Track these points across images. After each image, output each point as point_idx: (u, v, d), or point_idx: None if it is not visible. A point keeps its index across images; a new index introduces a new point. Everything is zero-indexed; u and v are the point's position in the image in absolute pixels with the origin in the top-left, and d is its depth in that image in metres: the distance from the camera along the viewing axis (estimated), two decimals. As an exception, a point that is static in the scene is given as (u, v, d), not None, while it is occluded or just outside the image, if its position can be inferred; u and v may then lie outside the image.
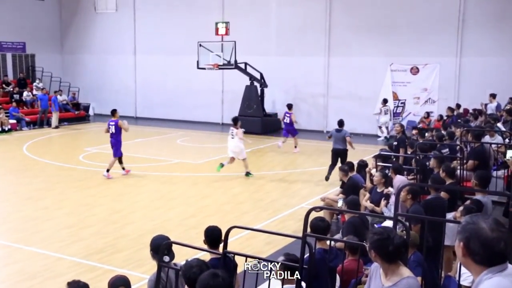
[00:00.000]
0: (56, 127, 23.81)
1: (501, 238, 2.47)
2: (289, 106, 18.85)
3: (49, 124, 24.31)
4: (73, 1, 29.50)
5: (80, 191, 12.85)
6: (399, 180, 8.69)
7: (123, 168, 14.57)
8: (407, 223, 4.97)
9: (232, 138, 14.26)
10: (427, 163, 9.61)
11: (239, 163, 14.71)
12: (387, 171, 9.67)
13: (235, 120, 14.69)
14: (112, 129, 14.44)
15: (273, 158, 17.54)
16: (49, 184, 13.64)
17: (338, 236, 8.29)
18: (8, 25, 26.99)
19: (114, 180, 14.07)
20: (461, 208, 5.99)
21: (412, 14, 21.25)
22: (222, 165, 14.26)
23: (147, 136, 22.08)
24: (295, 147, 18.35)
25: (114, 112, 14.91)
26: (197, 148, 19.19)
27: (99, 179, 14.16)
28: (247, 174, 14.47)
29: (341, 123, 13.97)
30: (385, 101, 21.32)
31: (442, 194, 7.35)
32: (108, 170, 14.17)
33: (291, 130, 18.52)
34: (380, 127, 21.69)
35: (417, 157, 9.55)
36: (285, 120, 18.67)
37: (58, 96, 26.09)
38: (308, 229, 5.25)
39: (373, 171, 9.93)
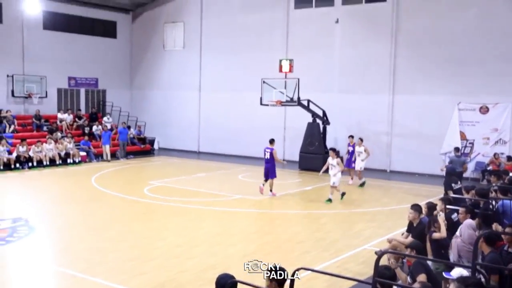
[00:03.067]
0: (108, 160, 24.53)
1: None
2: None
3: (126, 157, 25.55)
4: (143, 39, 30.84)
5: (144, 224, 13.09)
6: (466, 224, 8.27)
7: (261, 189, 16.49)
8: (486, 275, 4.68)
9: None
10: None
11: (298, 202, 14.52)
12: (455, 215, 9.27)
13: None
14: (267, 155, 16.59)
15: (334, 197, 17.24)
16: (114, 215, 14.00)
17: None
18: (83, 62, 28.57)
19: (176, 213, 14.27)
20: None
21: (482, 51, 20.67)
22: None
23: (209, 171, 22.37)
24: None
25: (272, 141, 17.07)
26: (259, 184, 19.15)
27: (162, 212, 14.42)
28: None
29: (458, 149, 18.01)
30: (361, 140, 19.60)
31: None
32: (271, 190, 16.55)
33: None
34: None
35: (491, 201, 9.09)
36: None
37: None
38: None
39: (441, 214, 9.54)
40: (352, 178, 19.55)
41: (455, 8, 21.23)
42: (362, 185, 18.97)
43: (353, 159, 19.51)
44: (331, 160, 15.98)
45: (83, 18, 28.70)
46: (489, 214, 8.86)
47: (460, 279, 3.46)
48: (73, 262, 9.96)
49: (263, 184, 16.68)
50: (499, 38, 20.36)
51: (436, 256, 7.94)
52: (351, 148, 19.68)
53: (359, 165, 19.12)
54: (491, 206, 9.53)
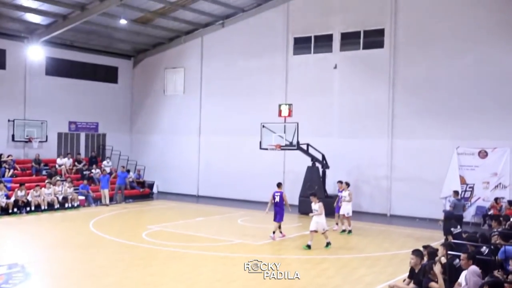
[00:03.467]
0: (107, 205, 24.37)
1: None
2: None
3: (125, 201, 25.42)
4: (144, 85, 31.25)
5: (142, 270, 12.89)
6: (471, 271, 8.15)
7: (280, 232, 17.03)
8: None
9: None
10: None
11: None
12: (457, 261, 9.16)
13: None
14: (277, 199, 16.98)
15: (335, 241, 17.07)
16: (112, 261, 13.80)
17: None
18: (84, 106, 28.88)
19: (175, 259, 14.08)
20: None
21: (479, 96, 20.93)
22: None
23: (208, 215, 22.23)
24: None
25: (279, 184, 17.65)
26: (258, 228, 19.02)
27: (161, 257, 14.23)
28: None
29: (458, 192, 18.15)
30: (347, 185, 18.91)
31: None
32: (274, 232, 16.79)
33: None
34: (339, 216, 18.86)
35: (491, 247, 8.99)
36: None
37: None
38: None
39: (443, 259, 9.43)
40: (337, 224, 18.98)
41: (452, 54, 21.62)
42: (348, 232, 18.27)
43: (339, 204, 18.90)
44: (313, 205, 15.76)
45: (85, 64, 29.17)
46: (485, 260, 8.75)
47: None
48: (69, 310, 9.76)
49: (279, 231, 17.14)
50: (496, 83, 20.64)
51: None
52: (340, 194, 19.06)
53: (343, 209, 18.44)
54: (481, 250, 9.42)
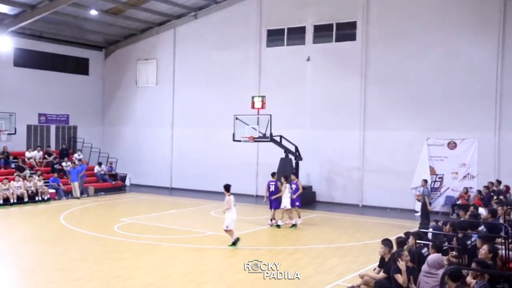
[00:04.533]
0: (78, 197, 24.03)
1: None
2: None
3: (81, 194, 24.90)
4: (116, 76, 30.85)
5: (113, 263, 12.79)
6: (433, 258, 8.21)
7: (274, 219, 17.55)
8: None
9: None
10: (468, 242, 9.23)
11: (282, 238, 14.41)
12: (426, 249, 9.33)
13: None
14: (272, 188, 17.85)
15: (308, 232, 17.22)
16: (83, 254, 13.65)
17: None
18: (54, 98, 28.38)
19: (147, 251, 14.00)
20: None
21: (448, 89, 21.31)
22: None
23: (181, 207, 22.15)
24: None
25: (274, 174, 18.48)
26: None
27: (133, 250, 14.13)
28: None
29: (426, 181, 18.52)
30: (286, 178, 18.04)
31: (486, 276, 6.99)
32: (271, 220, 17.57)
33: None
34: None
35: (458, 236, 9.20)
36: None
37: (97, 167, 26.81)
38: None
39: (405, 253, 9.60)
40: (299, 217, 18.24)
41: (421, 47, 21.92)
42: (276, 225, 17.61)
43: (293, 197, 18.03)
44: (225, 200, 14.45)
45: (55, 55, 28.64)
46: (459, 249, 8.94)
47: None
48: (39, 304, 9.63)
49: (273, 218, 17.67)
50: (464, 76, 21.02)
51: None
52: (294, 186, 18.29)
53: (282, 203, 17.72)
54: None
